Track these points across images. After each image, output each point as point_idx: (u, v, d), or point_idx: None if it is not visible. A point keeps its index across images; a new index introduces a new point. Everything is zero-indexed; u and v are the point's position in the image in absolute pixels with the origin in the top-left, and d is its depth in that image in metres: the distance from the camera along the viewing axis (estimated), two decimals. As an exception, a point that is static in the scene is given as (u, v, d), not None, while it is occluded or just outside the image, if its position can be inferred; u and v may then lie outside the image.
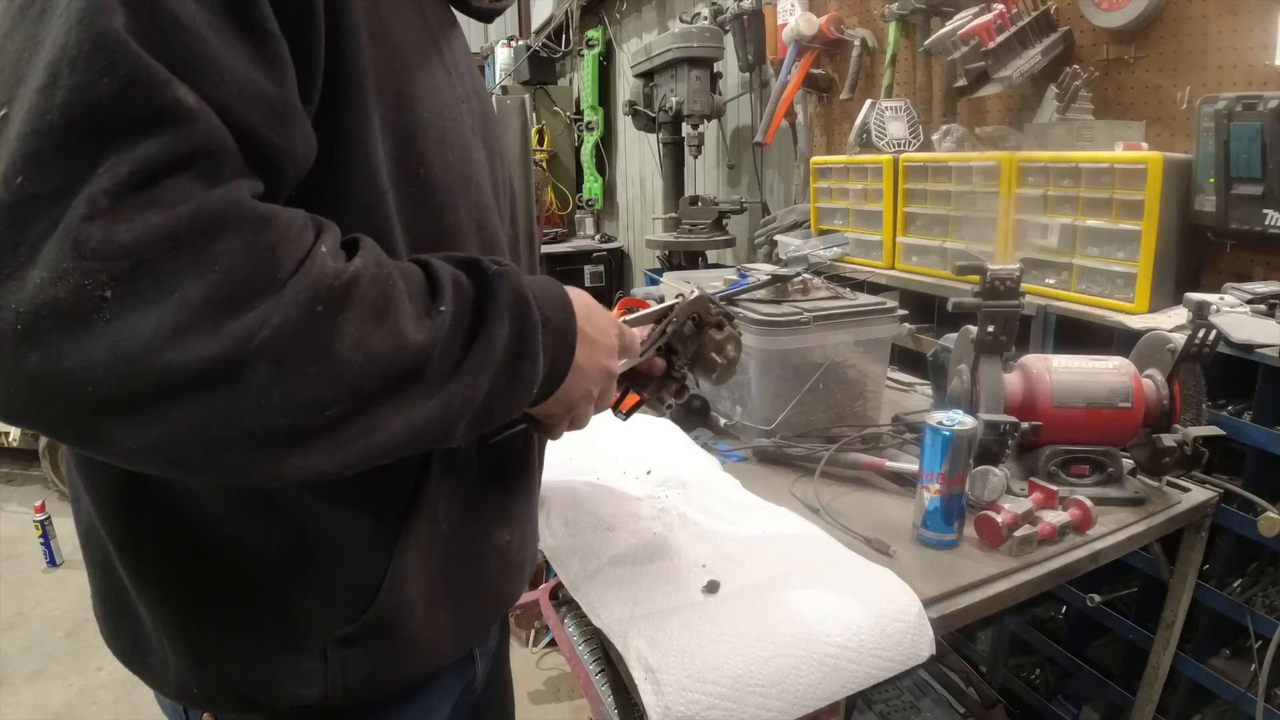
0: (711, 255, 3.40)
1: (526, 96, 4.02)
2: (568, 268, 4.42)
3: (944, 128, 1.98)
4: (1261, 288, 1.37)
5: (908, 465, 1.15)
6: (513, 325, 0.55)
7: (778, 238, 2.43)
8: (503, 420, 0.58)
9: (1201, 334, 1.06)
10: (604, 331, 0.68)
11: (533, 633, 2.39)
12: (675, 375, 0.83)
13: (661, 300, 0.87)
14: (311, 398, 0.45)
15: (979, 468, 1.02)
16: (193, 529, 0.58)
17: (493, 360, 0.54)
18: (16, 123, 0.39)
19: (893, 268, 2.05)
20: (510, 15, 6.41)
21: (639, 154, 4.35)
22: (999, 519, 0.97)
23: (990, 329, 1.13)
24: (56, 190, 0.39)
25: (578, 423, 0.71)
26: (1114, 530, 1.05)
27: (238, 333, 0.42)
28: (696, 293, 0.83)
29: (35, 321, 0.38)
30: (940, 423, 0.96)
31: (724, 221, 3.10)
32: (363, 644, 0.61)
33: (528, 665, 2.31)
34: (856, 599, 0.85)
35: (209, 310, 0.41)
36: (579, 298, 0.65)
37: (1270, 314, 1.29)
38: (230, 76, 0.44)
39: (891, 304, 1.38)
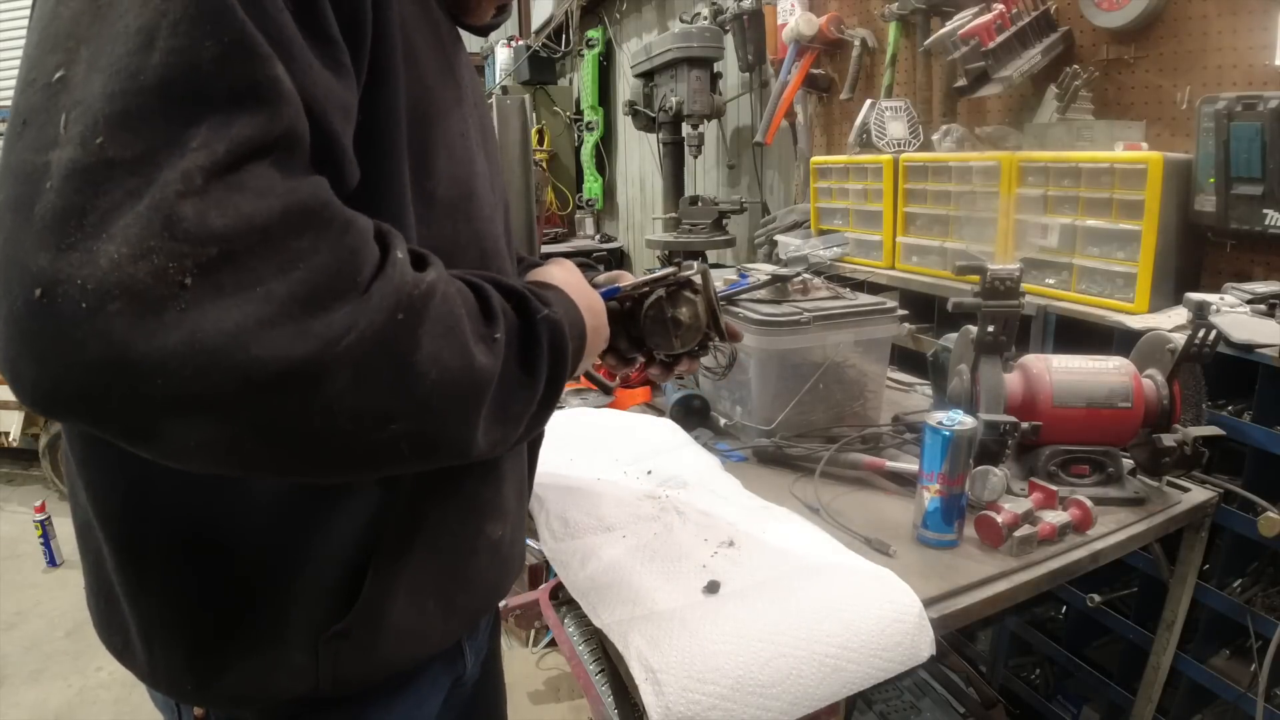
0: (711, 255, 3.40)
1: (526, 96, 4.02)
2: (568, 268, 4.41)
3: (944, 128, 1.98)
4: (1261, 288, 1.37)
5: (908, 465, 1.15)
6: (548, 379, 0.58)
7: (778, 238, 2.43)
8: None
9: (1201, 334, 1.06)
10: (599, 335, 0.72)
11: (533, 633, 2.39)
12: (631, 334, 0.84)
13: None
14: (381, 409, 0.44)
15: (979, 468, 1.02)
16: (194, 528, 0.58)
17: (529, 411, 0.57)
18: (97, 83, 0.36)
19: (893, 268, 2.05)
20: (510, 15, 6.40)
21: (639, 154, 4.35)
22: (999, 519, 0.97)
23: (990, 329, 1.13)
24: (138, 158, 0.36)
25: None
26: (1114, 530, 1.05)
27: (323, 335, 0.40)
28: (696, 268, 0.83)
29: (102, 302, 0.35)
30: (940, 423, 0.96)
31: (724, 221, 3.10)
32: (352, 637, 0.62)
33: (528, 665, 2.31)
34: (857, 599, 0.85)
35: (293, 308, 0.39)
36: (587, 303, 0.68)
37: (1270, 314, 1.29)
38: (315, 70, 0.43)
39: (891, 304, 1.38)
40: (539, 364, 0.57)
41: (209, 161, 0.37)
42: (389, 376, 0.43)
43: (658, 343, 0.83)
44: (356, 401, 0.42)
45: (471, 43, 5.88)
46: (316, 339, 0.39)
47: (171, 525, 0.58)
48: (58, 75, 0.37)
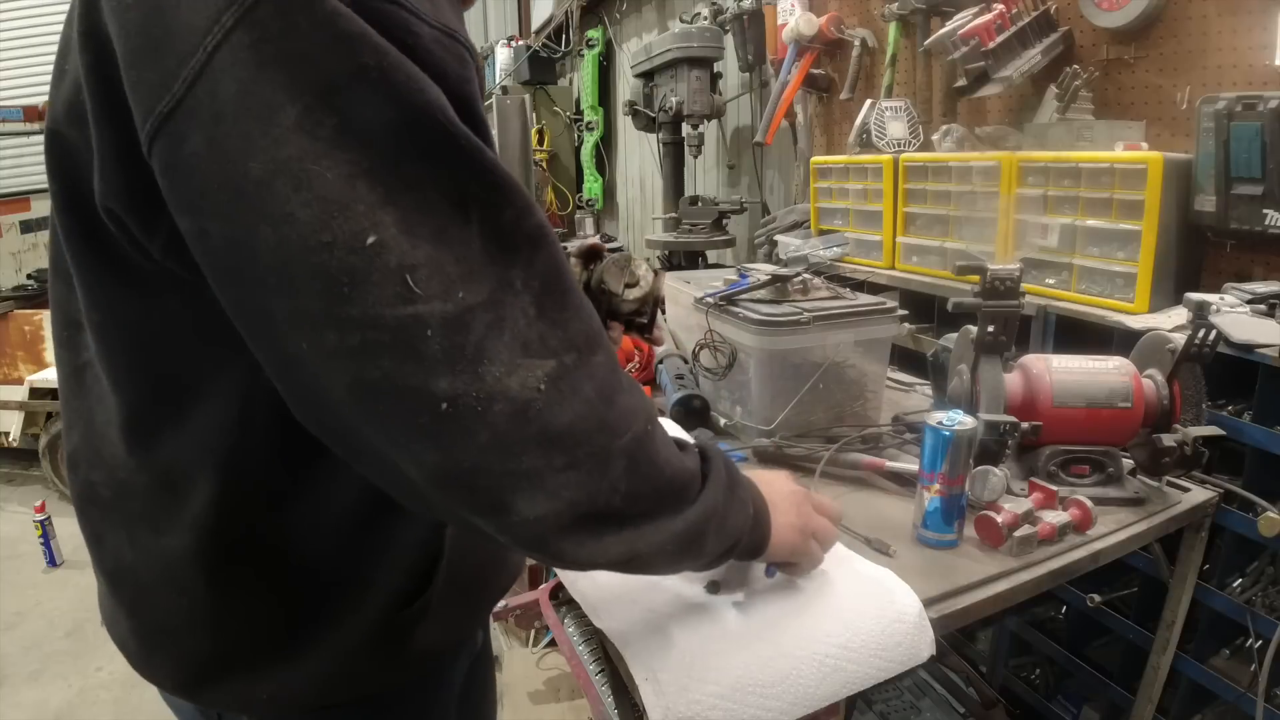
0: (711, 255, 3.40)
1: (526, 96, 4.02)
2: (568, 268, 4.41)
3: (944, 128, 1.98)
4: (1261, 288, 1.37)
5: (908, 465, 1.15)
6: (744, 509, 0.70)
7: (778, 238, 2.43)
8: (733, 536, 0.69)
9: (1201, 334, 1.06)
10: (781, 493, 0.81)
11: (533, 633, 2.39)
12: None
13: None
14: (649, 491, 0.57)
15: (979, 468, 1.02)
16: (281, 553, 0.60)
17: (737, 521, 0.69)
18: (424, 249, 0.45)
19: (893, 268, 2.05)
20: (510, 15, 6.42)
21: (639, 154, 4.35)
22: (999, 519, 0.97)
23: (990, 329, 1.13)
24: (487, 302, 0.47)
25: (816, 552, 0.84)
26: (1114, 530, 1.05)
27: (622, 428, 0.54)
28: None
29: (490, 404, 0.47)
30: (940, 423, 0.96)
31: (724, 221, 3.10)
32: (378, 654, 0.64)
33: (528, 665, 2.31)
34: (856, 599, 0.85)
35: (601, 406, 0.53)
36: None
37: (1270, 314, 1.29)
38: None
39: (891, 304, 1.38)
40: (729, 488, 0.68)
41: (532, 296, 0.50)
42: (648, 468, 0.57)
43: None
44: (631, 485, 0.56)
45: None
46: (627, 435, 0.55)
47: (264, 547, 0.60)
48: (370, 240, 0.44)
